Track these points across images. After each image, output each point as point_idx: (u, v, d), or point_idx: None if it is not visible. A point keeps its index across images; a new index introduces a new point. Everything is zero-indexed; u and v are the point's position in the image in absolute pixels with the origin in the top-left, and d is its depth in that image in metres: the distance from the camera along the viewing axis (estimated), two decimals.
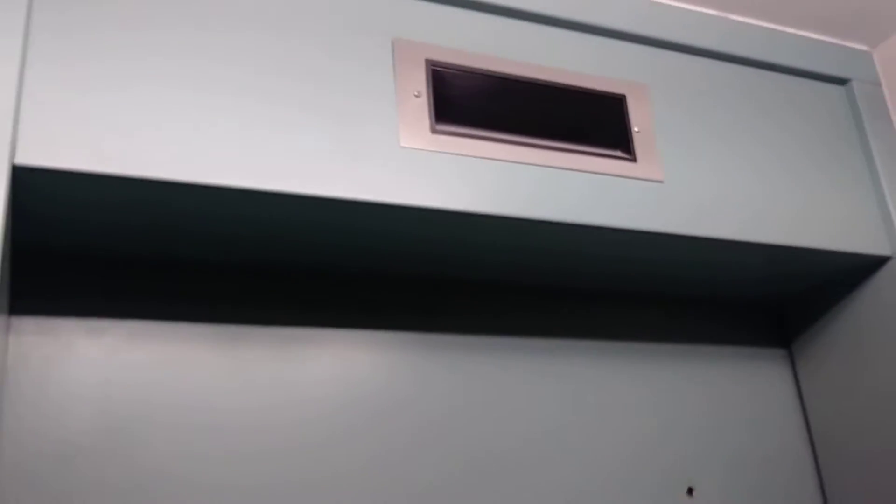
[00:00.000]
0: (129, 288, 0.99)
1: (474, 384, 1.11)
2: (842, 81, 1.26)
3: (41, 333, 0.95)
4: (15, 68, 0.79)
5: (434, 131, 0.94)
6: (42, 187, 0.82)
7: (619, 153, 1.03)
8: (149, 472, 0.93)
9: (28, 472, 0.89)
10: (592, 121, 1.03)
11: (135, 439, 0.94)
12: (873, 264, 1.18)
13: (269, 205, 0.89)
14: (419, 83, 0.96)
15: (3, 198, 0.76)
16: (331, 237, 0.98)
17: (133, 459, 0.93)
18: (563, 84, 1.03)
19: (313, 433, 1.01)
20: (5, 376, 0.92)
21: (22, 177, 0.79)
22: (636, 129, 1.05)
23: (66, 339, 0.95)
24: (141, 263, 1.00)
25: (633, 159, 1.04)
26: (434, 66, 0.97)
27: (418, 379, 1.08)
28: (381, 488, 1.02)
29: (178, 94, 0.85)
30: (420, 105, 0.95)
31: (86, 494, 0.91)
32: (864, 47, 1.30)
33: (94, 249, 0.97)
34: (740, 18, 1.21)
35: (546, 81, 1.02)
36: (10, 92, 0.78)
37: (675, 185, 1.05)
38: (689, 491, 1.16)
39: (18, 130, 0.78)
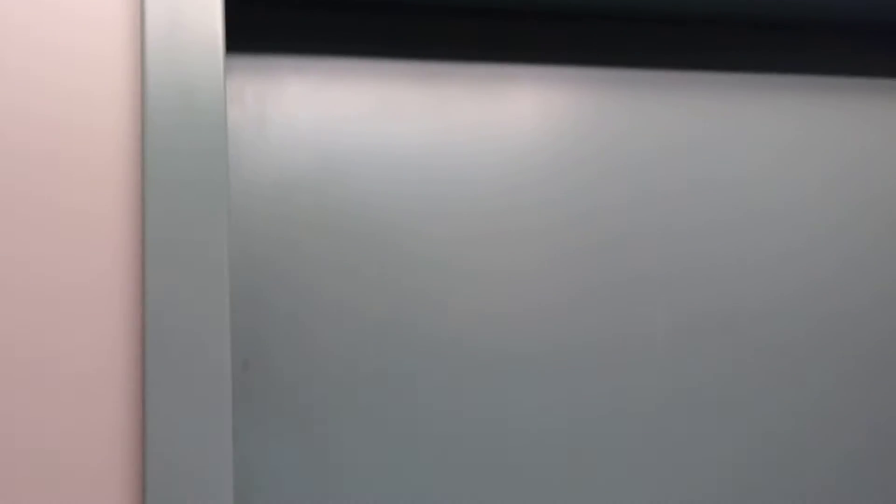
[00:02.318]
0: (333, 26, 1.01)
1: (680, 124, 1.09)
2: None
3: (253, 72, 0.99)
4: None
5: None
6: None
7: None
8: (358, 204, 0.99)
9: (255, 201, 0.97)
10: None
11: (345, 173, 0.99)
12: None
13: None
14: None
15: None
16: None
17: (344, 192, 0.99)
18: None
19: (510, 171, 1.03)
20: (227, 113, 0.97)
21: None
22: None
23: (276, 76, 0.99)
24: (346, 3, 1.01)
25: None
26: None
27: (621, 118, 1.07)
28: (583, 232, 1.05)
29: None
30: None
31: (306, 223, 0.98)
32: None
33: None
34: None
35: None
36: None
37: None
38: None
39: None
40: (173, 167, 0.84)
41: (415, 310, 0.99)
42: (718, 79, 1.11)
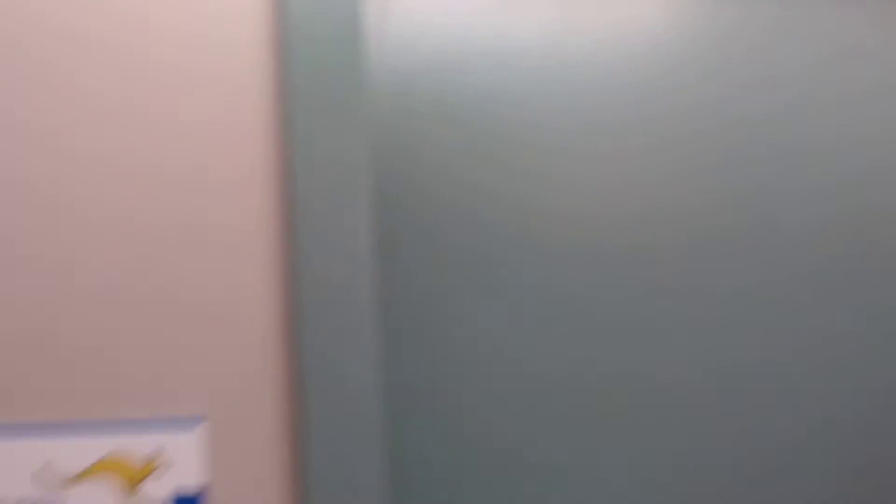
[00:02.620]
0: None
1: (824, 30, 1.08)
2: None
3: None
4: None
5: None
6: None
7: None
8: (479, 97, 1.00)
9: (378, 93, 0.98)
10: None
11: (467, 64, 1.00)
12: None
13: None
14: None
15: None
16: None
17: (466, 86, 1.00)
18: None
19: (638, 72, 1.04)
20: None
21: None
22: None
23: None
24: None
25: None
26: None
27: (761, 20, 1.07)
28: (707, 128, 1.05)
29: None
30: None
31: (428, 113, 0.99)
32: None
33: None
34: None
35: None
36: None
37: None
38: None
39: None
40: (311, 52, 0.89)
41: (537, 198, 1.00)
42: None
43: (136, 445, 0.89)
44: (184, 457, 0.90)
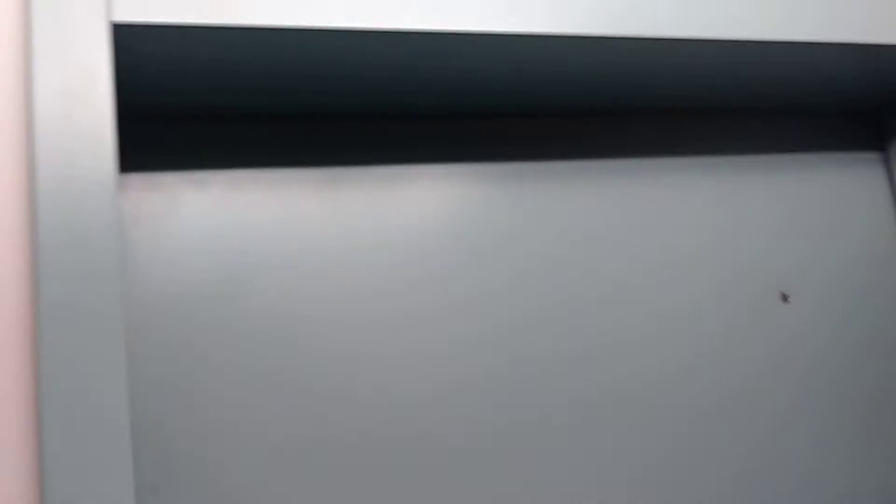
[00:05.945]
0: (227, 139, 1.01)
1: (575, 213, 1.12)
2: None
3: (149, 189, 0.98)
4: None
5: None
6: (140, 43, 0.82)
7: None
8: (261, 314, 0.98)
9: (152, 322, 0.95)
10: None
11: (246, 284, 0.98)
12: None
13: (369, 44, 0.88)
14: None
15: (106, 58, 0.77)
16: (422, 73, 0.97)
17: (246, 304, 0.97)
18: None
19: (414, 269, 1.04)
20: (123, 234, 0.95)
21: (120, 35, 0.79)
22: None
23: (172, 192, 0.98)
24: (239, 115, 1.01)
25: None
26: None
27: (518, 210, 1.10)
28: (484, 322, 1.06)
29: None
30: None
31: (206, 339, 0.96)
32: None
33: (192, 104, 0.98)
34: None
35: None
36: None
37: None
38: (784, 298, 1.18)
39: None
40: (67, 295, 0.81)
41: (321, 415, 0.98)
42: (609, 166, 1.15)
43: None
44: None
